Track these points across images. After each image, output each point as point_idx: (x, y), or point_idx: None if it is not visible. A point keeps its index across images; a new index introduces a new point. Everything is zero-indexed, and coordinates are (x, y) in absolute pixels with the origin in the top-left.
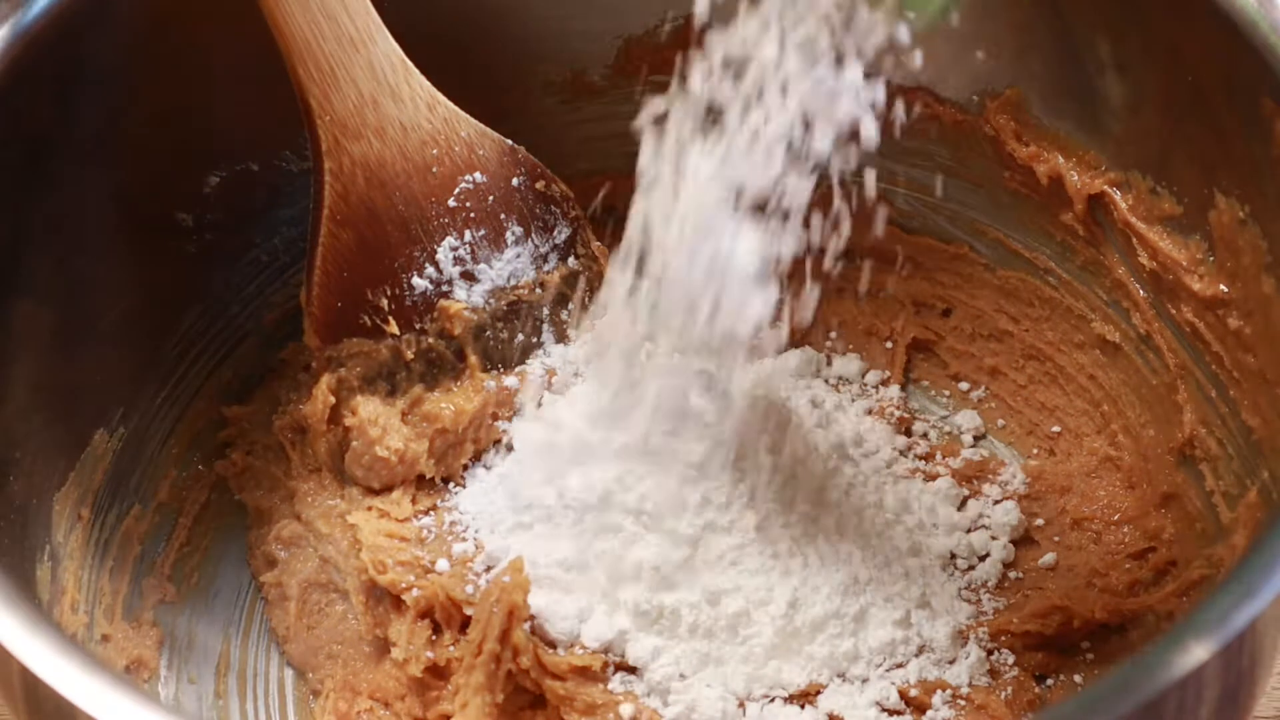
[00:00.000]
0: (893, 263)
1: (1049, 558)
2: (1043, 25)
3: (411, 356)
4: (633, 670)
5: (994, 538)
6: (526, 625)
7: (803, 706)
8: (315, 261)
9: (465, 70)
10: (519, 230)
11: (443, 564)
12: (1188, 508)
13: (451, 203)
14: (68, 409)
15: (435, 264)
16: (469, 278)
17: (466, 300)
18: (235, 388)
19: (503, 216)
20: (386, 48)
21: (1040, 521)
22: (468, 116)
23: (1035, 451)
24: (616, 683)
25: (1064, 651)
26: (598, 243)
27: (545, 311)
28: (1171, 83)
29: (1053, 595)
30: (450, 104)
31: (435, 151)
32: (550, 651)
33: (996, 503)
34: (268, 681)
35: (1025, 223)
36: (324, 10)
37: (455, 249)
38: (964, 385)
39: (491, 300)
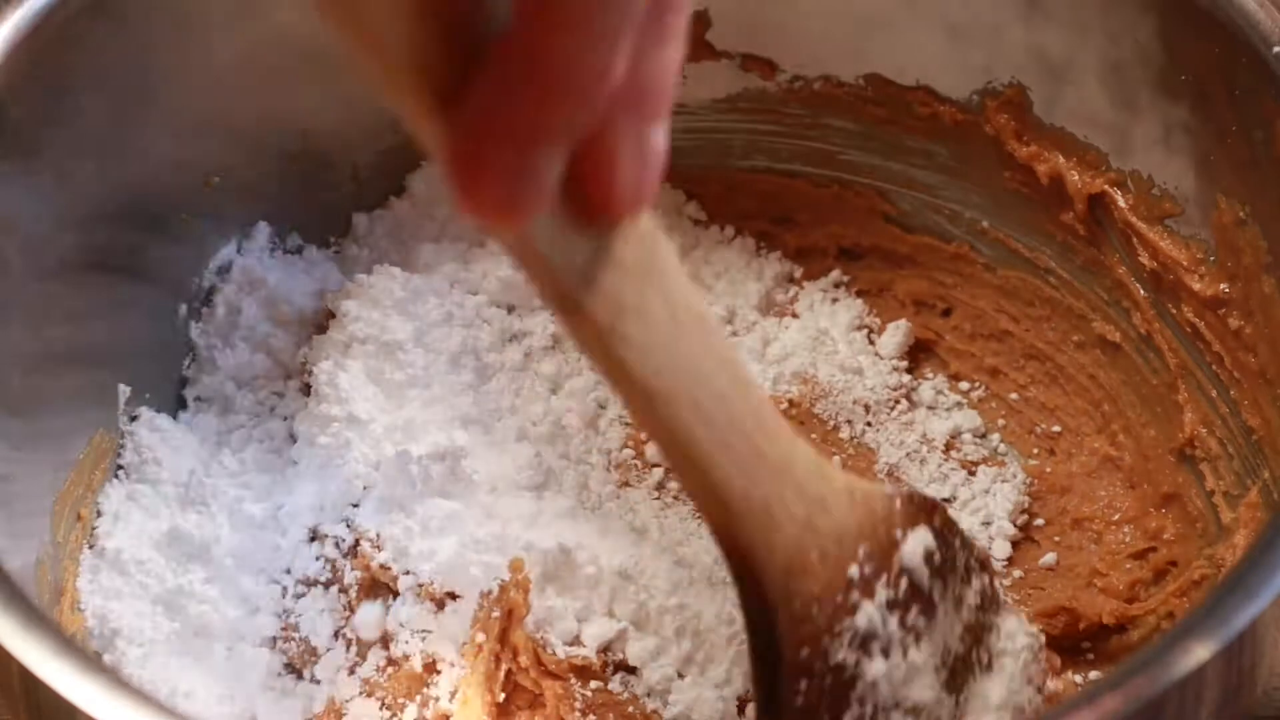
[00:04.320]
0: (893, 262)
1: (1049, 558)
2: (1043, 24)
3: None
4: (632, 670)
5: (993, 538)
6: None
7: None
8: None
9: None
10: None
11: None
12: (1188, 508)
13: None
14: (67, 409)
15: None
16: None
17: None
18: None
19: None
20: (805, 457)
21: (1040, 521)
22: (876, 485)
23: (1035, 451)
24: (616, 683)
25: (1064, 651)
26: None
27: None
28: (1171, 82)
29: (1057, 596)
30: (859, 480)
31: (865, 549)
32: (549, 651)
33: (996, 502)
34: None
35: (1025, 222)
36: (750, 446)
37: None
38: (964, 385)
39: None
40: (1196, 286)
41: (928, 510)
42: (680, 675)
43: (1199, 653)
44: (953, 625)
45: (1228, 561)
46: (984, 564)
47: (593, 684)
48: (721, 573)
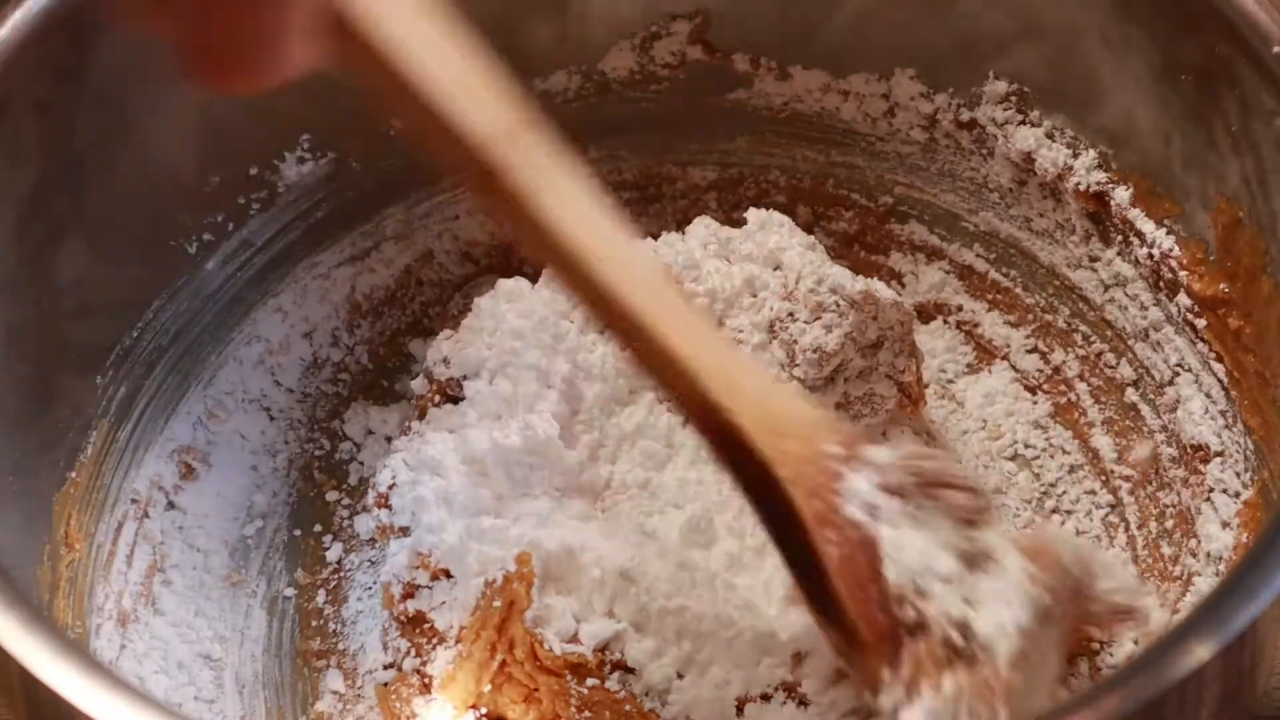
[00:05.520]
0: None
1: None
2: (1044, 24)
3: None
4: (630, 670)
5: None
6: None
7: (802, 705)
8: (827, 581)
9: None
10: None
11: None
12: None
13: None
14: (67, 409)
15: None
16: None
17: None
18: None
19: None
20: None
21: (1039, 520)
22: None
23: None
24: (614, 682)
25: None
26: None
27: None
28: (1171, 82)
29: None
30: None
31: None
32: (545, 647)
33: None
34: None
35: (1025, 221)
36: (692, 323)
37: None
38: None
39: None
40: (1196, 286)
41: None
42: (680, 676)
43: (1199, 653)
44: (946, 526)
45: (1227, 561)
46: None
47: (589, 681)
48: (728, 577)
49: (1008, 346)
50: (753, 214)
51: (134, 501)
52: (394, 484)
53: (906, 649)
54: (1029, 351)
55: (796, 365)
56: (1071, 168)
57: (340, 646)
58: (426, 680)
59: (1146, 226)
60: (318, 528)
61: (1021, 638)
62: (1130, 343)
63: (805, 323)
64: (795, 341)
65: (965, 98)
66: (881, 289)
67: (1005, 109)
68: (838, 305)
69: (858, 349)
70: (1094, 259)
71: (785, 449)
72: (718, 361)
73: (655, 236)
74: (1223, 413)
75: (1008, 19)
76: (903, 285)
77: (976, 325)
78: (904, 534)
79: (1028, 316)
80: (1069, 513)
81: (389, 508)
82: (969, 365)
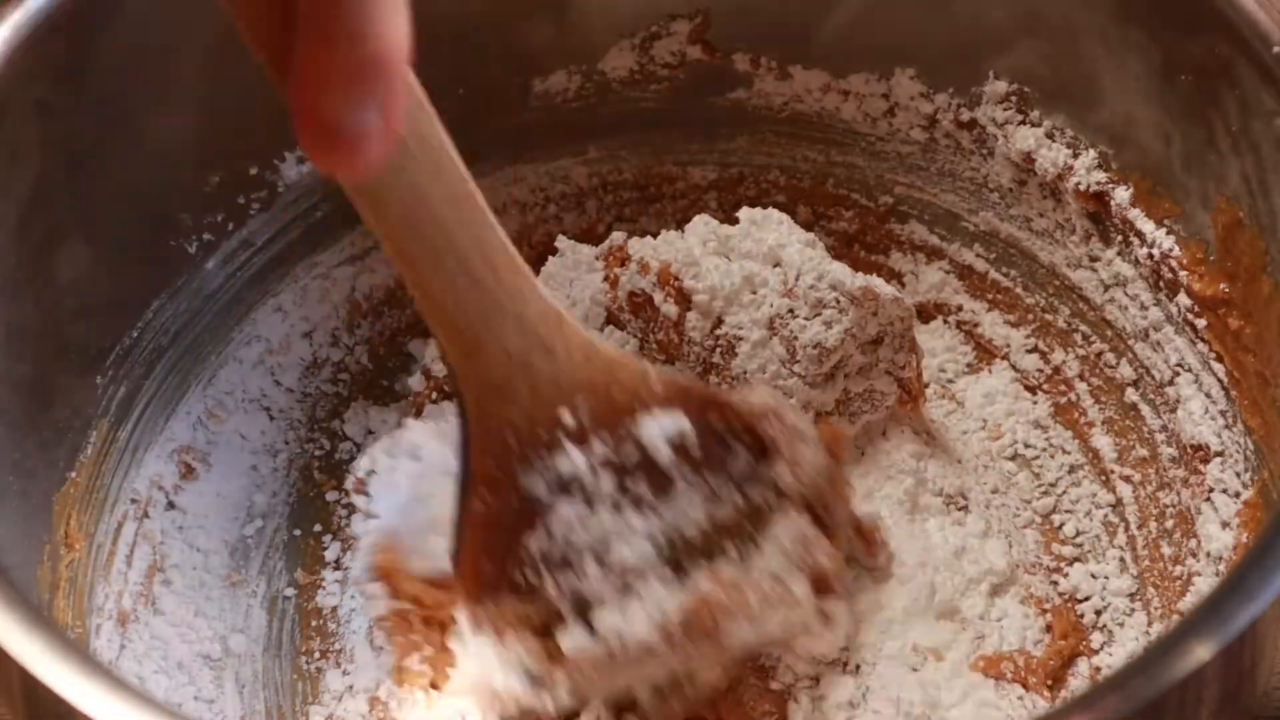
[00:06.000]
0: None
1: None
2: (1044, 23)
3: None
4: None
5: None
6: None
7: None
8: (462, 526)
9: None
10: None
11: None
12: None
13: None
14: (67, 409)
15: None
16: None
17: None
18: None
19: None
20: (539, 304)
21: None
22: (630, 359)
23: None
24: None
25: None
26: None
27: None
28: (1171, 82)
29: None
30: (609, 349)
31: (587, 403)
32: None
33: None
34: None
35: (1025, 221)
36: (466, 272)
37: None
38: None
39: None
40: (1196, 286)
41: (699, 402)
42: None
43: (1199, 653)
44: (692, 512)
45: (1227, 561)
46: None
47: None
48: None
49: (1008, 346)
50: (745, 213)
51: (134, 501)
52: (374, 471)
53: (504, 600)
54: (1029, 351)
55: (797, 361)
56: (1071, 168)
57: (340, 646)
58: (418, 673)
59: (1146, 226)
60: (318, 528)
61: (632, 649)
62: (1130, 343)
63: (805, 319)
64: (795, 338)
65: (965, 98)
66: (881, 285)
67: (1005, 109)
68: (838, 301)
69: (858, 345)
70: (1094, 259)
71: (493, 410)
72: (465, 314)
73: (655, 235)
74: (1223, 413)
75: (1008, 19)
76: (903, 285)
77: (976, 325)
78: (596, 515)
79: (1028, 316)
80: (1069, 513)
81: (366, 494)
82: (969, 365)
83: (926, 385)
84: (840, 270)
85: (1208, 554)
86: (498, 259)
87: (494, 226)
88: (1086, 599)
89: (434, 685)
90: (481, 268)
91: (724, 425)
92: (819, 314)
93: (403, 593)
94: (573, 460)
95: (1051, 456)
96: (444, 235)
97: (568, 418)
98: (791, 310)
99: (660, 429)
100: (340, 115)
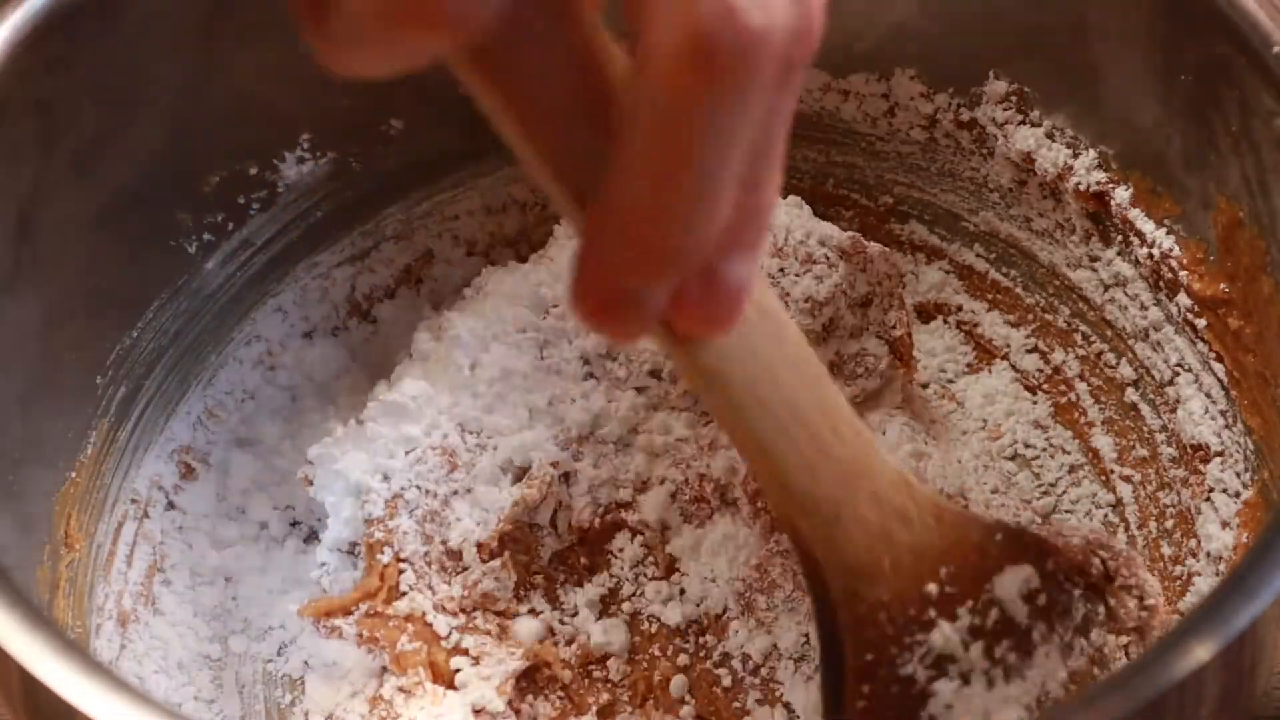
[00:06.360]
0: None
1: None
2: (1044, 23)
3: None
4: None
5: None
6: None
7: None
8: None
9: None
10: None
11: None
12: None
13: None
14: (67, 409)
15: None
16: None
17: None
18: None
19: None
20: (888, 470)
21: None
22: (977, 516)
23: None
24: None
25: None
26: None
27: None
28: (1171, 82)
29: None
30: (954, 506)
31: (948, 570)
32: None
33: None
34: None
35: (1025, 221)
36: (818, 446)
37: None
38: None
39: None
40: (1196, 286)
41: (1036, 550)
42: None
43: (1199, 653)
44: (1055, 670)
45: (1227, 561)
46: (1114, 617)
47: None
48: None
49: (1008, 346)
50: None
51: (134, 501)
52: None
53: None
54: (1029, 351)
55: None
56: (1071, 168)
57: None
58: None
59: (1146, 226)
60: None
61: None
62: (1130, 343)
63: (796, 275)
64: (787, 294)
65: (965, 98)
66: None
67: (1005, 109)
68: (827, 257)
69: (848, 303)
70: (1094, 259)
71: (863, 593)
72: (824, 490)
73: None
74: (1223, 413)
75: (1008, 18)
76: (903, 285)
77: (976, 325)
78: (970, 691)
79: (1028, 316)
80: (1069, 513)
81: (312, 484)
82: (969, 365)
83: (926, 386)
84: (828, 227)
85: (1208, 554)
86: (842, 426)
87: (833, 387)
88: None
89: (438, 676)
90: (829, 437)
91: (1059, 570)
92: (809, 269)
93: (340, 611)
94: (946, 636)
95: (1051, 456)
96: (789, 404)
97: (933, 590)
98: (782, 269)
99: (1015, 587)
100: (639, 290)
